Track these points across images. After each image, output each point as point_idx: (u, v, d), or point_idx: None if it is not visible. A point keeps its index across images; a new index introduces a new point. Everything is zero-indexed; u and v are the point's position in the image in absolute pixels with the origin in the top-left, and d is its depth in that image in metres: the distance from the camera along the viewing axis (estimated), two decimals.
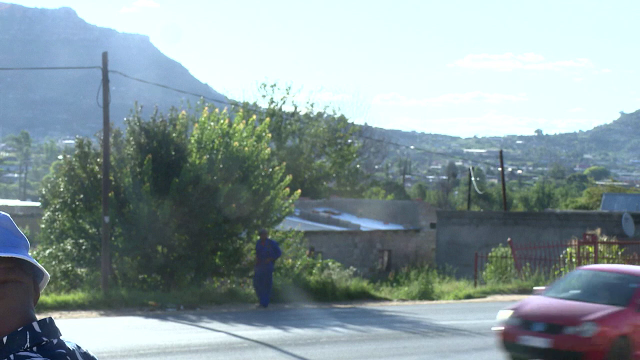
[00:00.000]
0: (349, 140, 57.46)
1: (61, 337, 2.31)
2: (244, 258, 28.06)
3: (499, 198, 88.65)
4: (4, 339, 2.22)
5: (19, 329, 2.24)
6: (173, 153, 27.15)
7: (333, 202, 50.03)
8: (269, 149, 28.75)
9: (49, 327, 2.28)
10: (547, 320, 14.93)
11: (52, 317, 2.33)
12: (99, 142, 27.75)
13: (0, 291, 2.25)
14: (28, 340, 2.23)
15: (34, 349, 2.23)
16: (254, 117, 30.37)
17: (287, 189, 28.54)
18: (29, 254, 2.35)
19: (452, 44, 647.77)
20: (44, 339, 2.26)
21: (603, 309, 14.95)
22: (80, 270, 27.22)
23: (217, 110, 28.97)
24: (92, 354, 2.37)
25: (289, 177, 28.83)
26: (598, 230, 34.87)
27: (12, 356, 2.20)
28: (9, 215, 2.36)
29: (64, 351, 2.27)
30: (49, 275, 2.36)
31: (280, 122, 53.25)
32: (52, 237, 27.94)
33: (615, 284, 15.81)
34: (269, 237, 26.65)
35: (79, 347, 2.33)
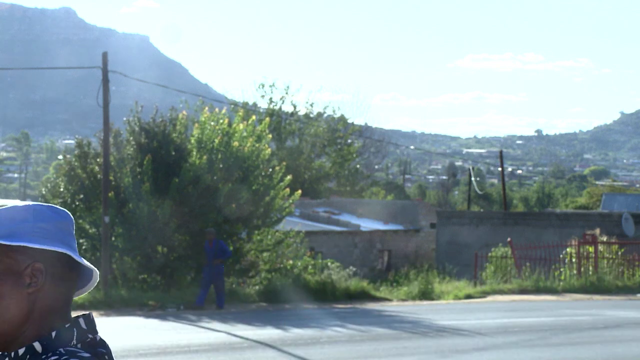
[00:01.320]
0: (349, 140, 57.43)
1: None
2: (244, 258, 28.05)
3: (499, 198, 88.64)
4: (53, 334, 2.25)
5: (66, 325, 2.27)
6: (173, 153, 27.15)
7: (333, 202, 50.03)
8: (269, 149, 28.73)
9: (92, 324, 2.32)
10: None
11: (92, 313, 2.36)
12: (99, 142, 27.75)
13: (59, 287, 2.29)
14: (75, 336, 2.26)
15: (79, 345, 2.25)
16: (254, 117, 30.36)
17: (288, 190, 28.52)
18: None
19: (452, 44, 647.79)
20: (89, 335, 2.28)
21: None
22: None
23: (217, 110, 28.97)
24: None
25: (288, 178, 28.78)
26: (598, 230, 34.88)
27: (62, 350, 2.22)
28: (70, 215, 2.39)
29: (104, 350, 2.29)
30: (97, 279, 2.39)
31: (279, 122, 53.23)
32: None
33: None
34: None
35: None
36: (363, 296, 28.11)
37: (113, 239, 26.43)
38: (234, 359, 15.57)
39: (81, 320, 2.29)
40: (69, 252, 2.28)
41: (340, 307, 25.69)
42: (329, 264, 30.42)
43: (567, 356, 17.05)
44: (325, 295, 27.07)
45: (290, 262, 28.60)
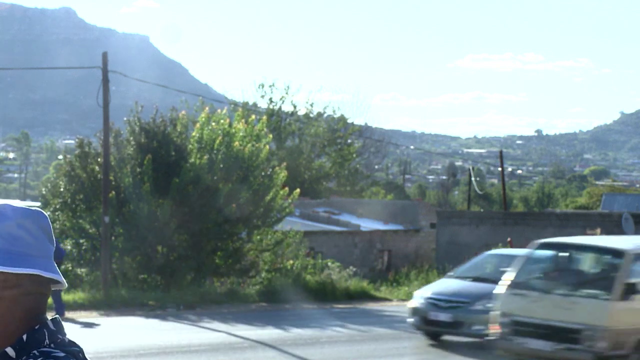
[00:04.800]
0: (349, 140, 57.43)
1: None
2: (243, 258, 28.06)
3: (499, 198, 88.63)
4: (24, 337, 2.26)
5: (36, 327, 2.28)
6: (173, 153, 27.15)
7: (333, 202, 50.01)
8: (267, 148, 28.68)
9: (60, 326, 2.33)
10: None
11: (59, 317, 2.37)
12: (99, 142, 27.75)
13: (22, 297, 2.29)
14: (47, 337, 2.27)
15: (52, 345, 2.27)
16: (254, 117, 30.34)
17: (287, 188, 28.49)
18: None
19: (452, 44, 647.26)
20: (59, 336, 2.30)
21: None
22: (80, 270, 27.23)
23: (219, 110, 28.98)
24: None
25: (284, 174, 28.45)
26: (598, 230, 34.85)
27: (36, 352, 2.23)
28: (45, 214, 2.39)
29: (77, 349, 2.30)
30: (65, 285, 2.40)
31: (279, 122, 53.21)
32: None
33: None
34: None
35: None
36: (363, 296, 28.12)
37: (113, 239, 26.43)
38: (234, 359, 15.58)
39: (50, 323, 2.30)
40: (35, 272, 2.26)
41: (340, 307, 25.70)
42: (329, 264, 30.42)
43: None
44: (325, 295, 27.08)
45: (291, 261, 28.61)
